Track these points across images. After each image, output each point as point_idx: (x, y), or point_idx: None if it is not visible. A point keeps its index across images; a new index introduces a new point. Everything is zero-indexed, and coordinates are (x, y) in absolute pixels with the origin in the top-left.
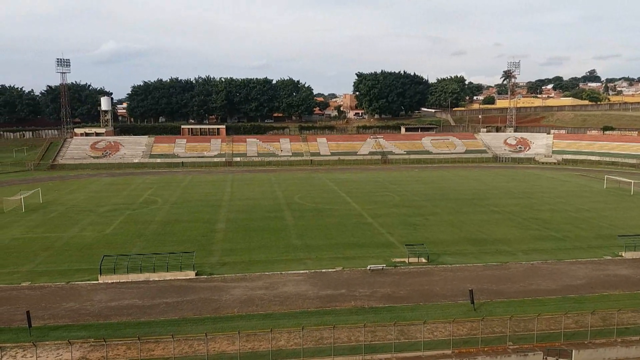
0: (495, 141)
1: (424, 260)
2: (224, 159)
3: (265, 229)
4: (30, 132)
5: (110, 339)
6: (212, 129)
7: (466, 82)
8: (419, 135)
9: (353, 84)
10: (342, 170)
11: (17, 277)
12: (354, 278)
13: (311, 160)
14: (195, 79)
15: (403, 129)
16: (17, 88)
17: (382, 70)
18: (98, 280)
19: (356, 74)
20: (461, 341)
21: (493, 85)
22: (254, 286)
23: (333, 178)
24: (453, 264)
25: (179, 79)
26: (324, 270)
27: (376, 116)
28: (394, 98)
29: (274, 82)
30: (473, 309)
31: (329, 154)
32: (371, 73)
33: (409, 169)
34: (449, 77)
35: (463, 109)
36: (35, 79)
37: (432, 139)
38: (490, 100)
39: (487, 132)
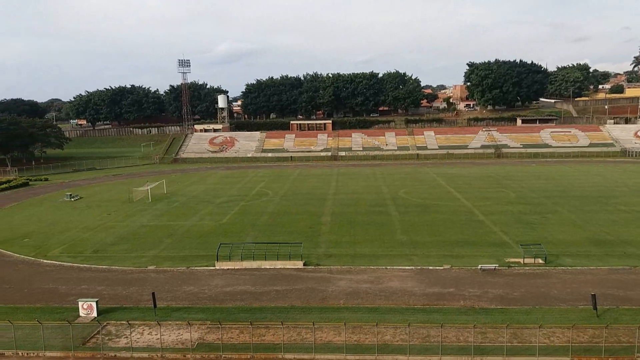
0: (623, 133)
1: (540, 261)
2: (329, 154)
3: (369, 223)
4: (156, 129)
5: (225, 322)
6: (319, 124)
7: (590, 70)
8: (537, 128)
9: (464, 74)
10: (451, 164)
11: (144, 261)
12: (464, 277)
13: (418, 154)
14: (303, 75)
15: (519, 121)
16: (144, 88)
17: (495, 60)
18: (215, 266)
19: (467, 63)
20: (581, 349)
21: (622, 72)
22: (359, 279)
23: (441, 173)
24: (573, 267)
25: (289, 76)
26: (430, 268)
27: (489, 107)
28: (508, 88)
29: (380, 75)
30: (596, 315)
31: (437, 147)
32: (484, 62)
33: (526, 163)
34: (570, 65)
35: (587, 98)
36: (160, 79)
37: (551, 132)
38: (618, 89)
39: (614, 123)
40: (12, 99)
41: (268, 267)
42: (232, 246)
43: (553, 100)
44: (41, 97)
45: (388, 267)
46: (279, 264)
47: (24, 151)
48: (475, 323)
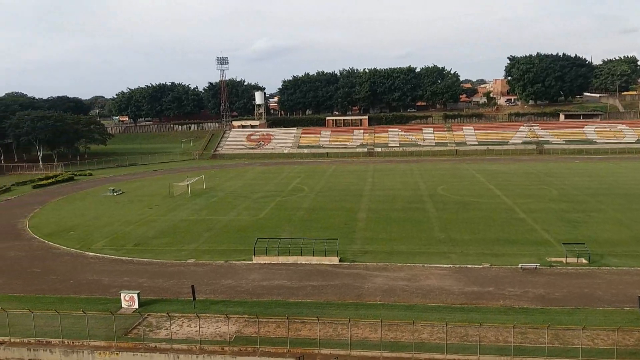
0: None
1: (584, 260)
2: (365, 150)
3: (406, 220)
4: (195, 125)
5: (262, 316)
6: (355, 119)
7: (638, 63)
8: (581, 123)
9: (505, 68)
10: (491, 161)
11: (184, 255)
12: (503, 276)
13: (456, 150)
14: (339, 71)
15: (562, 116)
16: (184, 85)
17: (537, 53)
18: (252, 260)
19: (508, 57)
20: (627, 352)
21: None
22: (396, 277)
23: (480, 169)
24: (619, 267)
25: (325, 72)
26: (469, 266)
27: (531, 102)
28: (551, 82)
29: (417, 70)
30: None
31: (476, 143)
32: (525, 56)
33: (569, 160)
34: (617, 58)
35: (634, 92)
36: (199, 76)
37: (596, 127)
38: None
39: None
40: (57, 97)
41: (304, 262)
42: (269, 241)
43: (598, 95)
44: (85, 95)
45: (425, 265)
46: (315, 260)
47: (69, 147)
48: (515, 323)
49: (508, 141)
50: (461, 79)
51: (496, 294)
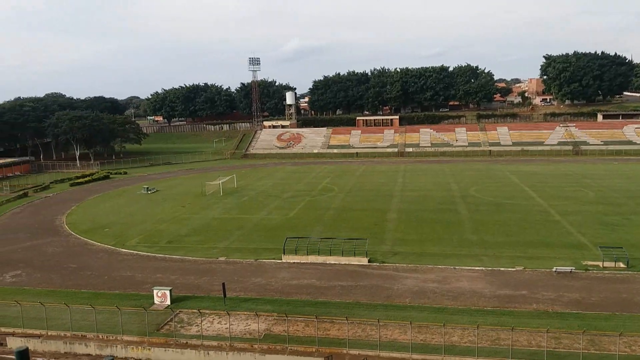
0: None
1: (622, 265)
2: (396, 150)
3: (437, 221)
4: (227, 125)
5: (291, 315)
6: (386, 119)
7: None
8: (620, 124)
9: (540, 67)
10: (526, 161)
11: (216, 252)
12: (537, 279)
13: (490, 150)
14: (370, 71)
15: (600, 116)
16: (217, 86)
17: (574, 52)
18: (282, 259)
19: (544, 56)
20: None
21: None
22: (426, 278)
23: (515, 170)
24: None
25: (355, 72)
26: (502, 269)
27: (567, 102)
28: (588, 81)
29: (450, 69)
30: None
31: (510, 143)
32: (562, 55)
33: (607, 161)
34: None
35: None
36: (231, 77)
37: (636, 128)
38: None
39: None
40: (94, 97)
41: (333, 262)
42: (299, 240)
43: (639, 94)
44: (121, 95)
45: (456, 267)
46: (344, 260)
47: (105, 146)
48: (549, 327)
49: (543, 142)
50: (495, 78)
51: (529, 297)
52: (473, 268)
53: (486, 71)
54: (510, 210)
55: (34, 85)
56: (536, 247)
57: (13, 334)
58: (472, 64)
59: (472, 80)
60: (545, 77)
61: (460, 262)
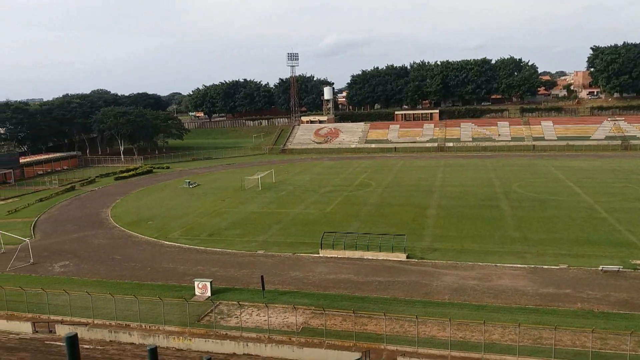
0: None
1: None
2: (436, 144)
3: (478, 218)
4: (266, 121)
5: (328, 309)
6: (425, 114)
7: None
8: None
9: (587, 59)
10: (571, 157)
11: (254, 246)
12: (582, 278)
13: (533, 145)
14: (410, 64)
15: None
16: (256, 82)
17: (624, 42)
18: (319, 253)
19: (591, 47)
20: None
21: None
22: (466, 275)
23: (559, 165)
24: None
25: (394, 65)
26: (545, 267)
27: (616, 95)
28: (639, 73)
29: (492, 62)
30: None
31: (555, 138)
32: (610, 46)
33: None
34: None
35: None
36: (269, 72)
37: None
38: None
39: None
40: (138, 93)
41: (370, 257)
42: (336, 235)
43: None
44: (163, 91)
45: (498, 265)
46: (382, 255)
47: (148, 141)
48: (594, 327)
49: (590, 136)
50: (539, 70)
51: (574, 296)
52: (515, 265)
53: (530, 64)
54: (555, 207)
55: (80, 82)
56: (581, 244)
57: (62, 322)
58: (515, 57)
59: (515, 73)
60: (592, 69)
61: (502, 259)
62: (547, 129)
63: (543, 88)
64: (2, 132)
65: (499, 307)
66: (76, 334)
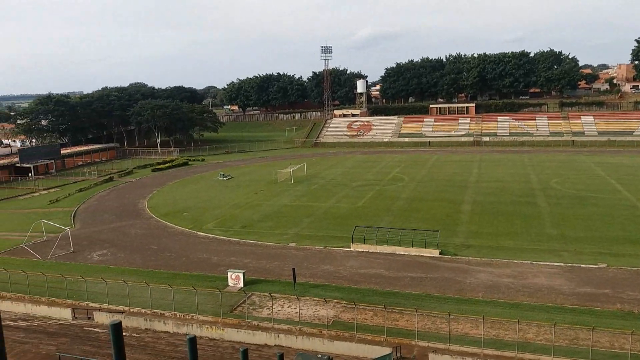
0: None
1: None
2: (472, 139)
3: (514, 214)
4: (299, 114)
5: (359, 303)
6: (461, 107)
7: None
8: None
9: (631, 51)
10: (613, 153)
11: (286, 238)
12: (622, 278)
13: (573, 140)
14: (445, 57)
15: None
16: (289, 75)
17: None
18: (350, 247)
19: (636, 39)
20: None
21: None
22: (501, 273)
23: (600, 162)
24: None
25: (429, 58)
26: (583, 266)
27: None
28: None
29: (531, 55)
30: None
31: (596, 133)
32: None
33: None
34: None
35: None
36: (303, 65)
37: None
38: None
39: None
40: (174, 87)
41: (402, 252)
42: (367, 229)
43: None
44: (199, 85)
45: (534, 263)
46: (414, 251)
47: (184, 134)
48: (634, 329)
49: (633, 132)
50: (580, 63)
51: (613, 296)
52: (552, 264)
53: (570, 57)
54: (594, 204)
55: (119, 75)
56: (622, 243)
57: (100, 309)
58: (555, 49)
59: (555, 67)
60: (637, 62)
61: (538, 257)
62: (588, 123)
63: (584, 82)
64: (44, 124)
65: (534, 306)
66: (120, 322)
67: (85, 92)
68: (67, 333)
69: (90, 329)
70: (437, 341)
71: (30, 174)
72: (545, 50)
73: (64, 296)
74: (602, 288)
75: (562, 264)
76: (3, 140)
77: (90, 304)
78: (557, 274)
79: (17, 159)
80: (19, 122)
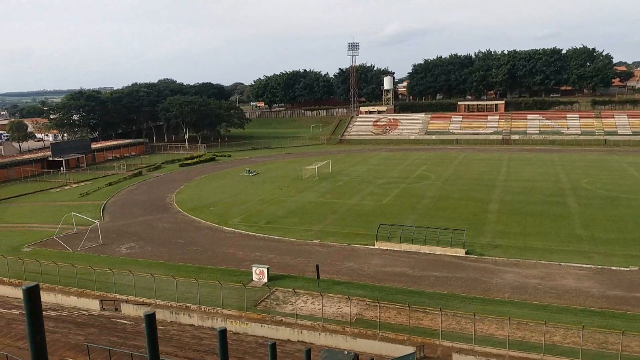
0: None
1: None
2: (500, 137)
3: (543, 215)
4: (324, 111)
5: (383, 302)
6: (490, 104)
7: None
8: None
9: None
10: None
11: (310, 235)
12: None
13: (605, 140)
14: (474, 53)
15: None
16: (316, 72)
17: None
18: (374, 245)
19: None
20: None
21: None
22: (528, 274)
23: (633, 162)
24: None
25: (458, 54)
26: (613, 268)
27: None
28: None
29: (563, 51)
30: None
31: (630, 133)
32: None
33: None
34: None
35: None
36: (329, 62)
37: None
38: None
39: None
40: (202, 83)
41: (427, 251)
42: (392, 227)
43: None
44: (226, 81)
45: (562, 264)
46: (439, 250)
47: (212, 130)
48: None
49: None
50: (614, 61)
51: None
52: (581, 265)
53: (604, 54)
54: (627, 206)
55: (148, 71)
56: None
57: (127, 301)
58: (588, 46)
59: (588, 64)
60: None
61: (567, 258)
62: (621, 122)
63: (618, 79)
64: (76, 118)
65: (562, 308)
66: (154, 313)
67: (115, 88)
68: (95, 324)
69: (118, 320)
70: (462, 341)
71: (61, 168)
72: (578, 47)
73: (92, 287)
74: (633, 291)
75: (592, 266)
76: (36, 135)
77: (118, 296)
78: (586, 276)
79: (49, 153)
80: (51, 116)
